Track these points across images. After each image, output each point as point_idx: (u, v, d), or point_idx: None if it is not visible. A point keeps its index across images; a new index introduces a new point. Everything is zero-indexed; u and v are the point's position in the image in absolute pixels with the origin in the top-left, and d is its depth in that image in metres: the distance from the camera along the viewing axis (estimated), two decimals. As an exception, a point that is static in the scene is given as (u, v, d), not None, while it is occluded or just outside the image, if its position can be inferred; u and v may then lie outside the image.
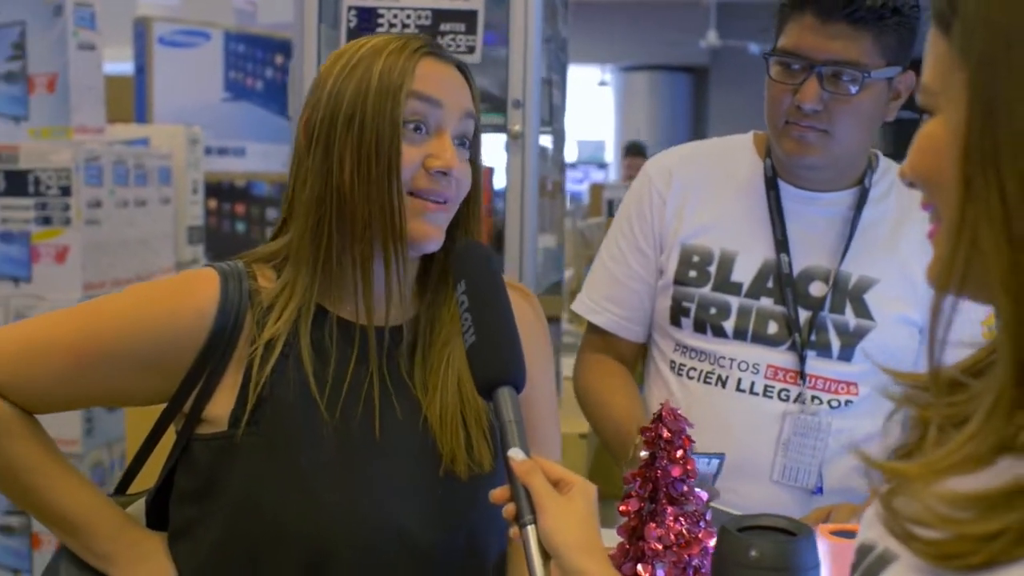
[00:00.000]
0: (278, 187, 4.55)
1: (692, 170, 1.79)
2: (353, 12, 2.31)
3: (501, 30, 2.31)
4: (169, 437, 1.27)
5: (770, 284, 1.70)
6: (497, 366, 1.04)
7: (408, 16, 2.29)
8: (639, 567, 1.15)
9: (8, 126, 3.41)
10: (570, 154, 12.16)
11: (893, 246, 1.69)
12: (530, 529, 0.96)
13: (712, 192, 1.77)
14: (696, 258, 1.74)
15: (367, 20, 2.30)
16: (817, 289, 1.69)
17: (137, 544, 1.25)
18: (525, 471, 0.98)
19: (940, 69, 0.70)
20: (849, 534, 1.19)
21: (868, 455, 0.71)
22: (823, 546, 1.17)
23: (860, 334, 1.66)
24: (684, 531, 1.14)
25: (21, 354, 1.21)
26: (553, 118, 2.62)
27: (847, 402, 1.66)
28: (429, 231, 1.23)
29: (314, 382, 1.20)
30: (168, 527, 1.27)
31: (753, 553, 1.02)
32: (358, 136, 1.19)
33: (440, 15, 2.29)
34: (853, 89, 1.58)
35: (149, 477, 1.32)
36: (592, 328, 1.86)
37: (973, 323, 0.76)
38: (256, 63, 5.07)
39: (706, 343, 1.72)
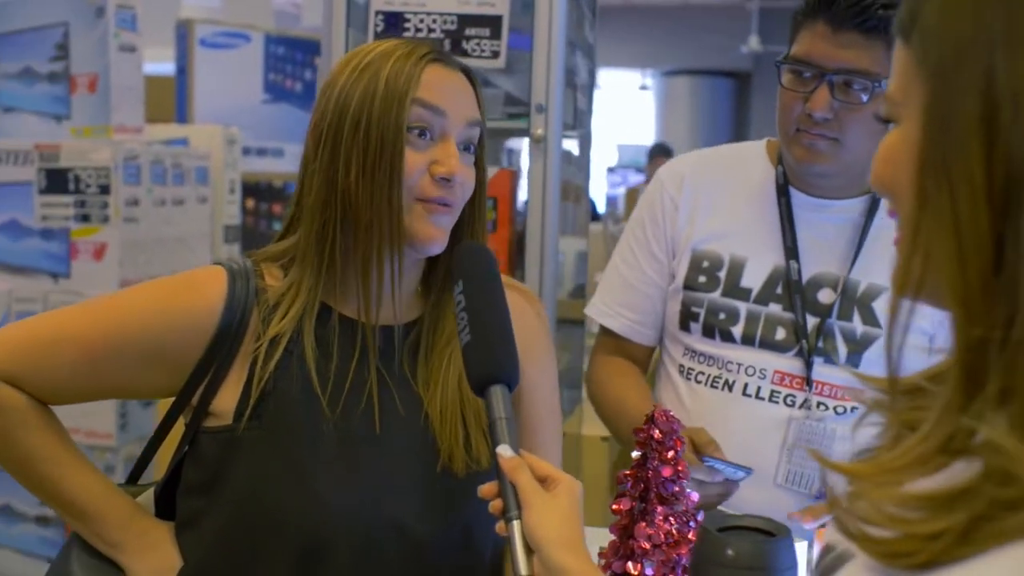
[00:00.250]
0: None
1: (705, 176, 1.81)
2: (380, 17, 2.35)
3: (531, 33, 2.33)
4: (178, 430, 1.31)
5: (779, 290, 1.71)
6: (490, 364, 1.07)
7: (434, 21, 2.32)
8: (629, 564, 1.17)
9: (50, 125, 3.49)
10: (610, 158, 12.16)
11: None
12: (515, 524, 0.99)
13: (724, 198, 1.79)
14: (706, 263, 1.75)
15: (394, 25, 2.34)
16: (826, 296, 1.70)
17: (146, 533, 1.29)
18: (512, 468, 1.01)
19: (902, 79, 0.72)
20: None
21: (823, 456, 0.73)
22: (817, 546, 1.18)
23: (867, 342, 1.67)
24: (673, 531, 1.16)
25: (37, 347, 1.25)
26: (578, 122, 2.64)
27: (853, 408, 1.67)
28: (434, 233, 1.26)
29: (316, 378, 1.24)
30: (175, 517, 1.31)
31: (730, 552, 1.04)
32: (364, 140, 1.22)
33: (465, 20, 2.31)
34: (864, 98, 1.59)
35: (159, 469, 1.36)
36: (605, 331, 1.88)
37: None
38: (295, 65, 5.13)
39: (714, 348, 1.73)
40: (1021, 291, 0.62)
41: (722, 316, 1.73)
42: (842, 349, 1.68)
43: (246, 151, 4.59)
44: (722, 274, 1.74)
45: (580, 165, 2.87)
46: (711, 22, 11.58)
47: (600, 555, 1.23)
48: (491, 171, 2.44)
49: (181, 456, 1.29)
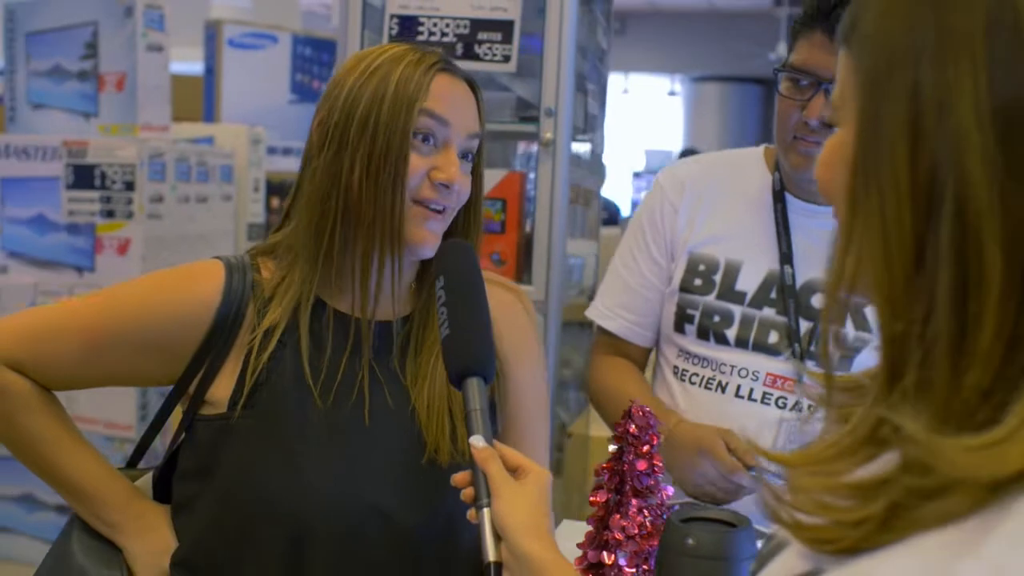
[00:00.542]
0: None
1: (704, 181, 1.84)
2: (395, 20, 2.39)
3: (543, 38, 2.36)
4: (176, 417, 1.36)
5: (773, 295, 1.74)
6: (466, 357, 1.11)
7: (447, 25, 2.36)
8: (604, 554, 1.21)
9: (79, 122, 3.56)
10: (637, 163, 12.16)
11: None
12: (485, 512, 1.02)
13: (723, 203, 1.82)
14: (702, 267, 1.78)
15: (408, 28, 2.38)
16: (819, 301, 1.72)
17: (143, 515, 1.34)
18: (484, 458, 1.05)
19: (842, 85, 0.75)
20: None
21: (760, 446, 0.76)
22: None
23: (858, 346, 1.70)
24: (647, 523, 1.20)
25: (41, 334, 1.31)
26: (588, 127, 2.67)
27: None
28: (427, 237, 1.30)
29: (309, 370, 1.28)
30: (171, 501, 1.36)
31: (690, 541, 1.07)
32: (370, 142, 1.26)
33: (478, 24, 2.35)
34: (859, 106, 1.62)
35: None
36: (604, 332, 1.92)
37: None
38: (322, 66, 5.18)
39: (708, 350, 1.76)
40: (939, 288, 0.65)
41: (717, 319, 1.76)
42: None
43: (271, 151, 4.65)
44: (717, 277, 1.77)
45: (592, 169, 2.90)
46: (740, 29, 11.56)
47: (579, 546, 1.26)
48: (501, 174, 2.48)
49: (178, 442, 1.34)
